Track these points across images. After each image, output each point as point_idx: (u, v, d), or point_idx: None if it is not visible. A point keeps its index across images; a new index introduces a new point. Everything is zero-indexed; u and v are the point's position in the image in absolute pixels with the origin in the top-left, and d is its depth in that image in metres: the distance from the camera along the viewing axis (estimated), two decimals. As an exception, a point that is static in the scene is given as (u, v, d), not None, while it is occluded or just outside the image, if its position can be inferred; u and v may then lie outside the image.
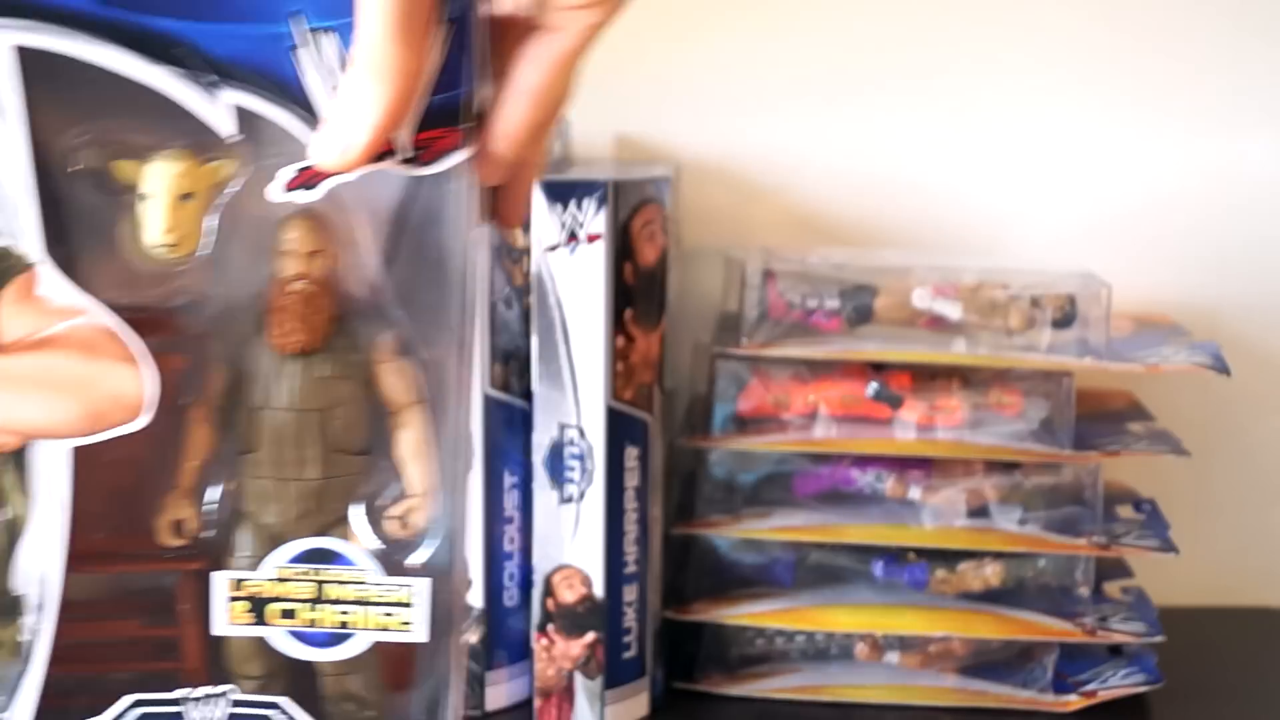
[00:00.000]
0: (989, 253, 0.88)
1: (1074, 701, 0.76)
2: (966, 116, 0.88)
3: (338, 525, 0.45)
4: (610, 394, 0.72)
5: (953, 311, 0.77)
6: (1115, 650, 0.80)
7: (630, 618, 0.75)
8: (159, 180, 0.42)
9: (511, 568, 0.77)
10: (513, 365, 0.75)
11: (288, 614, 0.44)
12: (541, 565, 0.74)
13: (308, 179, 0.42)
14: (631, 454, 0.73)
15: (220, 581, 0.44)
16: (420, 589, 0.44)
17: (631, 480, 0.73)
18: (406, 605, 0.44)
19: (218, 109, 0.41)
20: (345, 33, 0.40)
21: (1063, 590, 0.78)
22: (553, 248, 0.71)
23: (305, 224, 0.43)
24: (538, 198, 0.70)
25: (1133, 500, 0.83)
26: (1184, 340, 0.81)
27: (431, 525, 0.44)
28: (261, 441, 0.44)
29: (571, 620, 0.74)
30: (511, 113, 0.41)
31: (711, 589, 0.79)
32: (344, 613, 0.44)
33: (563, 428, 0.72)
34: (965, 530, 0.77)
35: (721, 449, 0.79)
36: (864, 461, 0.78)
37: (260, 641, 0.44)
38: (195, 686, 0.44)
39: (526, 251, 0.74)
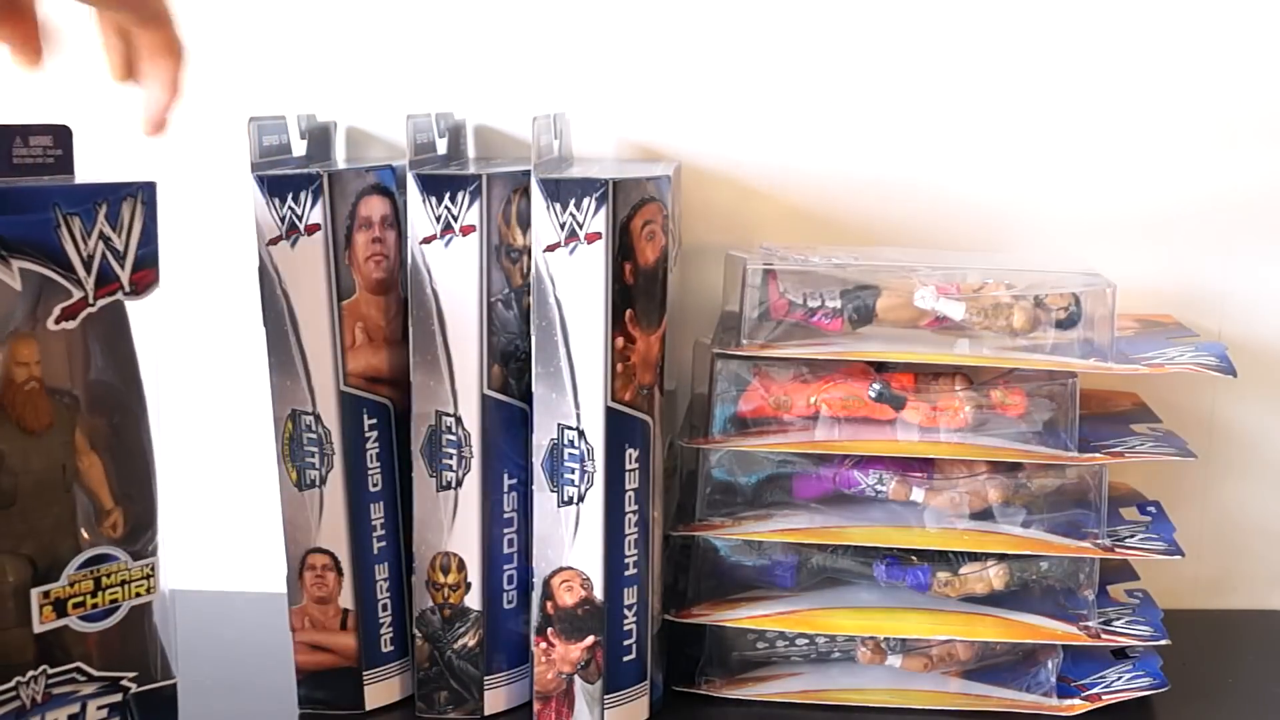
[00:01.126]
0: (993, 252, 0.88)
1: (1078, 705, 0.76)
2: (970, 114, 0.88)
3: (76, 540, 0.65)
4: (610, 395, 0.71)
5: (956, 312, 0.77)
6: (1120, 653, 0.80)
7: (630, 621, 0.74)
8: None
9: (510, 570, 0.76)
10: (511, 366, 0.75)
11: (78, 605, 0.65)
12: (541, 568, 0.73)
13: (70, 313, 0.64)
14: (631, 455, 0.72)
15: (34, 595, 0.64)
16: (156, 563, 0.68)
17: (631, 482, 0.73)
18: (149, 576, 0.68)
19: (11, 272, 0.61)
20: (86, 216, 0.63)
21: (1067, 593, 0.78)
22: (552, 247, 0.70)
23: (28, 344, 0.63)
24: (537, 196, 0.70)
25: (1138, 502, 0.83)
26: (1190, 341, 0.81)
27: (134, 523, 0.67)
28: (17, 497, 0.63)
29: (571, 623, 0.74)
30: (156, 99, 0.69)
31: (712, 591, 0.79)
32: (113, 593, 0.67)
33: (562, 429, 0.72)
34: (968, 532, 0.77)
35: (722, 450, 0.78)
36: (866, 463, 0.78)
37: (61, 629, 0.65)
38: (24, 674, 0.64)
39: (525, 251, 0.73)
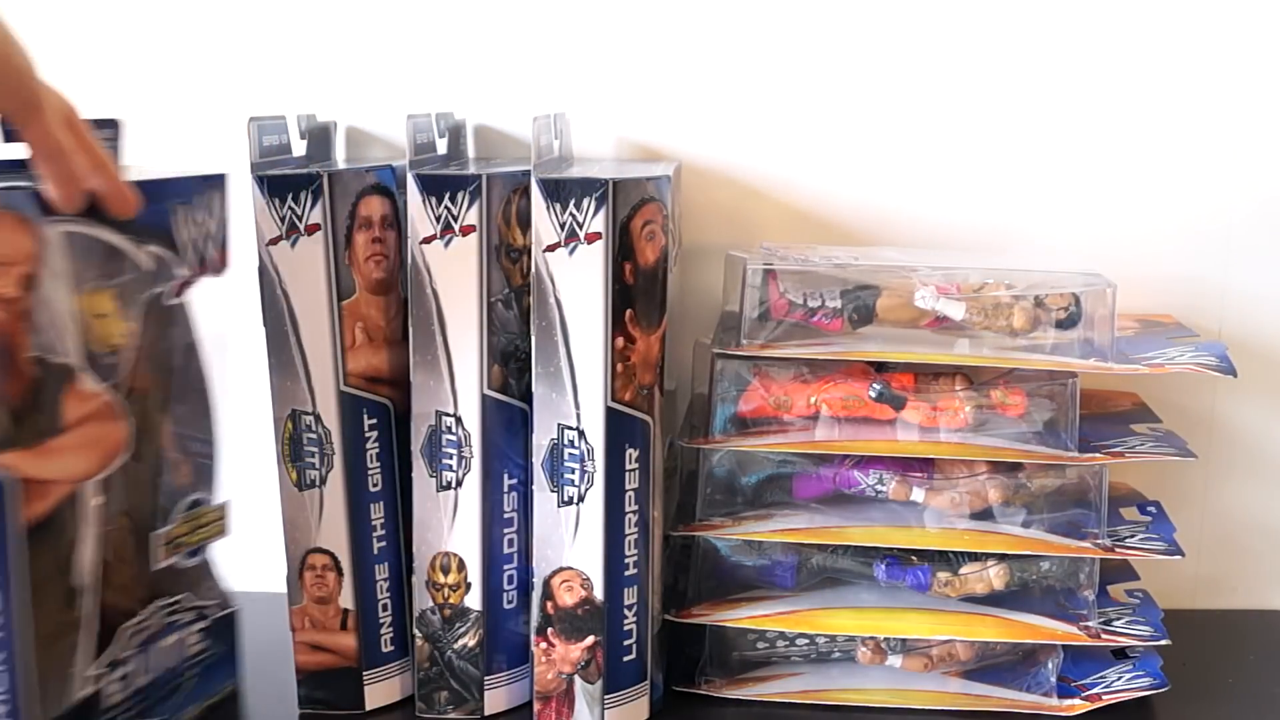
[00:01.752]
0: (993, 252, 0.88)
1: (1078, 705, 0.76)
2: (971, 114, 0.88)
3: (168, 489, 0.73)
4: (610, 395, 0.71)
5: (956, 312, 0.77)
6: (1120, 653, 0.80)
7: (630, 621, 0.74)
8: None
9: (510, 570, 0.76)
10: (511, 366, 0.75)
11: (181, 544, 0.74)
12: (541, 568, 0.73)
13: (179, 289, 0.73)
14: (631, 455, 0.72)
15: (155, 538, 0.72)
16: (228, 504, 0.78)
17: (631, 482, 0.73)
18: (223, 518, 0.78)
19: (143, 254, 0.69)
20: (193, 204, 0.72)
21: (1067, 593, 0.78)
22: (552, 247, 0.70)
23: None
24: (537, 196, 0.70)
25: (1138, 502, 0.83)
26: (1190, 341, 0.81)
27: (200, 474, 0.76)
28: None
29: (571, 623, 0.74)
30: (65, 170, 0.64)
31: (712, 591, 0.79)
32: (201, 533, 0.76)
33: (562, 429, 0.72)
34: (968, 532, 0.77)
35: (722, 450, 0.78)
36: (866, 463, 0.78)
37: (167, 568, 0.73)
38: (144, 608, 0.72)
39: (525, 251, 0.73)
